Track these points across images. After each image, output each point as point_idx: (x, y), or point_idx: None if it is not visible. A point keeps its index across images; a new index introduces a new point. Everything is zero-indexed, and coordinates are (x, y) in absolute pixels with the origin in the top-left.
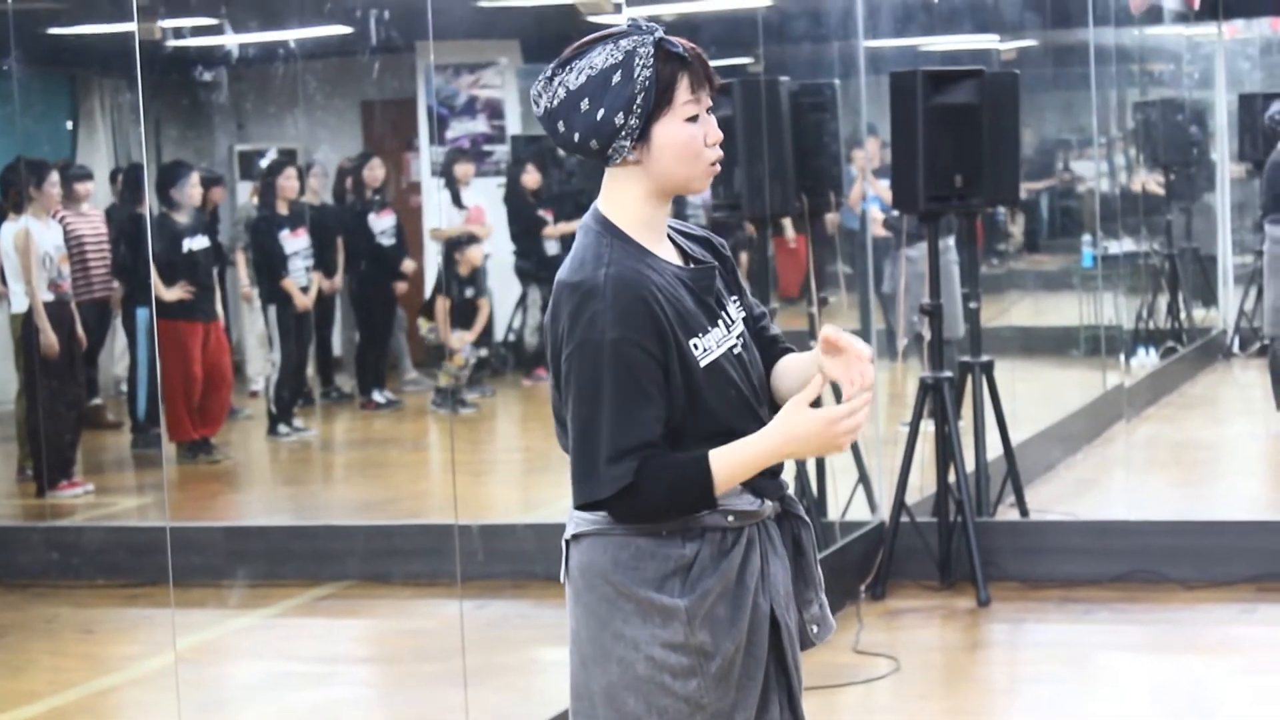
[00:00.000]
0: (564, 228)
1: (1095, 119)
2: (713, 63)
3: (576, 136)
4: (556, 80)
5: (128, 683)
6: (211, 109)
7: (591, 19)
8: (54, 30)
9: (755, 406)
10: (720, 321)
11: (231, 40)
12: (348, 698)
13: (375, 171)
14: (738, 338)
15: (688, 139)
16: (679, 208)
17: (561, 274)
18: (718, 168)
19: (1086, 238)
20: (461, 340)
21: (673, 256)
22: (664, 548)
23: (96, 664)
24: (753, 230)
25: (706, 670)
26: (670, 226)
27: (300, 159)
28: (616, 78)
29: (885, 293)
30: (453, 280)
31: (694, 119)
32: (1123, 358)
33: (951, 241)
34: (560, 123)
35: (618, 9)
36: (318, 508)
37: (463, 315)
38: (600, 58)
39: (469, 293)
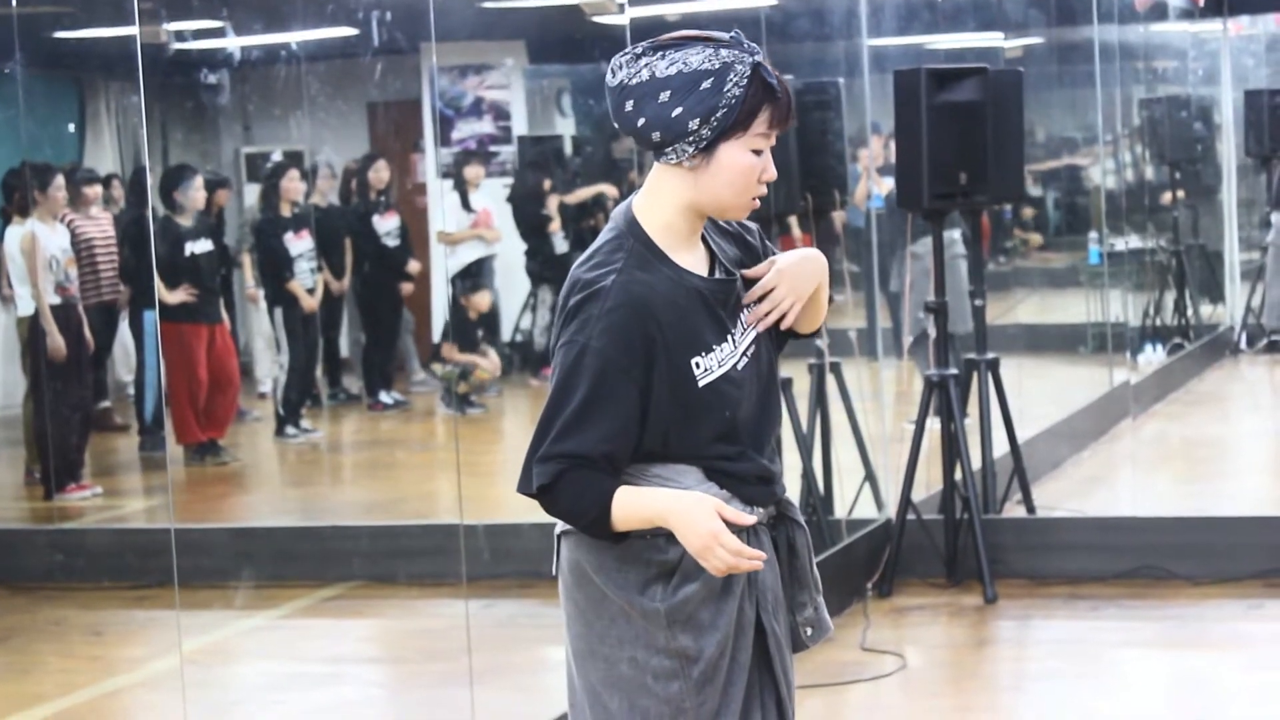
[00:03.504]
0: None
1: (1100, 116)
2: None
3: (641, 121)
4: (644, 61)
5: (135, 685)
6: (217, 112)
7: (596, 19)
8: (59, 34)
9: (756, 430)
10: (730, 337)
11: (236, 43)
12: (355, 698)
13: (380, 173)
14: (745, 351)
15: (747, 168)
16: None
17: (576, 265)
18: (758, 203)
19: (1093, 234)
20: (491, 362)
21: (700, 264)
22: (648, 550)
23: (105, 666)
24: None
25: (689, 674)
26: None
27: (306, 161)
28: (707, 84)
29: (893, 292)
30: (463, 323)
31: (759, 152)
32: (1129, 354)
33: (958, 235)
34: (631, 101)
35: (621, 9)
36: (325, 509)
37: (473, 347)
38: (697, 57)
39: (479, 333)
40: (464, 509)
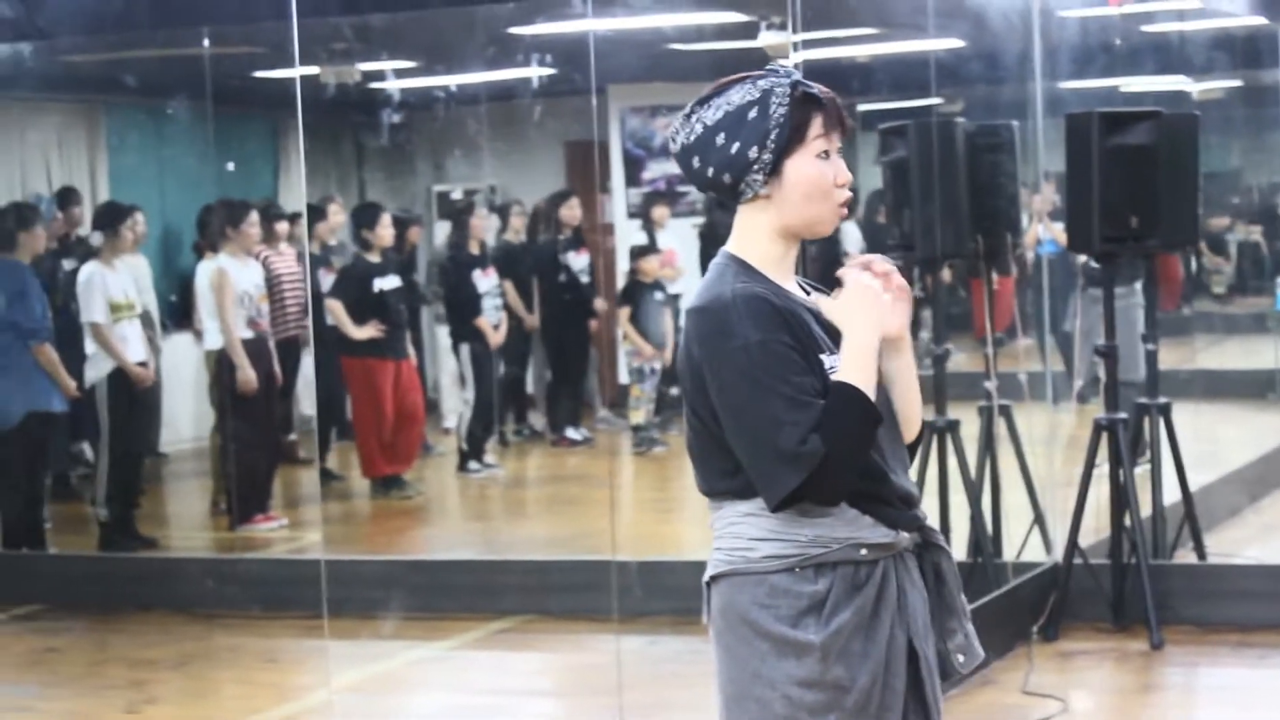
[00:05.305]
0: None
1: None
2: (889, 104)
3: (710, 171)
4: (694, 117)
5: (308, 710)
6: (410, 150)
7: (779, 61)
8: (257, 74)
9: (893, 446)
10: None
11: (430, 82)
12: None
13: (573, 210)
14: None
15: (818, 175)
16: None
17: (689, 304)
18: (845, 210)
19: None
20: (655, 353)
21: (798, 294)
22: (798, 584)
23: (280, 693)
24: (949, 275)
25: (843, 705)
26: (798, 281)
27: (498, 199)
28: (753, 114)
29: (1064, 331)
30: (637, 290)
31: (824, 156)
32: None
33: (1138, 286)
34: (696, 158)
35: (795, 49)
36: (502, 543)
37: (651, 322)
38: (738, 95)
39: (658, 296)
40: (635, 545)
